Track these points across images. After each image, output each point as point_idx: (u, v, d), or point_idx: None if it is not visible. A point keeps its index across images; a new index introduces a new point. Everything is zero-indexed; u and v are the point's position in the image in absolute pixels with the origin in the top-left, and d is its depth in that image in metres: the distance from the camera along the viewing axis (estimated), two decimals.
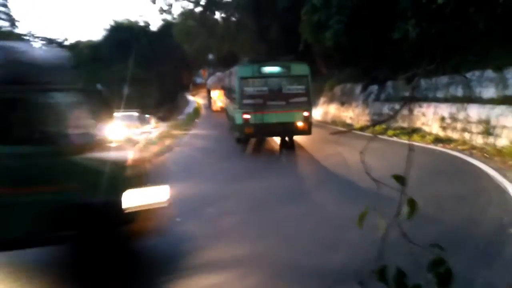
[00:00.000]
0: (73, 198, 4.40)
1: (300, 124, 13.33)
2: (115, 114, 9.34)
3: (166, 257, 5.18)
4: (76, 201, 4.39)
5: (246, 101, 13.13)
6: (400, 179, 1.42)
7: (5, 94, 4.48)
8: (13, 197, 4.29)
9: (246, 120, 13.02)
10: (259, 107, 12.98)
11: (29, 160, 4.41)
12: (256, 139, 15.26)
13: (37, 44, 49.79)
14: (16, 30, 37.99)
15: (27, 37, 40.09)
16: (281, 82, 13.33)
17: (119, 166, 4.83)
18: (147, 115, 23.29)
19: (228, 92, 18.54)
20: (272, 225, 6.48)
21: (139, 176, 4.91)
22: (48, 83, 4.88)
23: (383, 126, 15.74)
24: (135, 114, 20.19)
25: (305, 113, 13.42)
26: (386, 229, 1.38)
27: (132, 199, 4.64)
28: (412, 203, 1.37)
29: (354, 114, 22.43)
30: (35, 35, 42.05)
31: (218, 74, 33.56)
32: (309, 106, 13.60)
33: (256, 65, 13.48)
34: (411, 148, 1.57)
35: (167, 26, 54.15)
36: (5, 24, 36.81)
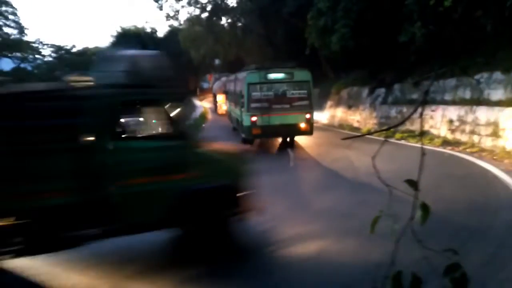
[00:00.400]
0: (201, 183, 5.29)
1: (302, 125, 14.39)
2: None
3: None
4: (205, 186, 5.31)
5: (253, 105, 14.16)
6: (413, 183, 1.43)
7: (148, 96, 5.48)
8: (159, 183, 5.06)
9: (254, 122, 14.07)
10: (265, 110, 14.06)
11: (171, 152, 5.28)
12: (261, 139, 16.25)
13: (45, 51, 50.37)
14: (25, 38, 38.30)
15: (36, 45, 40.48)
16: (285, 87, 14.45)
17: (235, 157, 5.99)
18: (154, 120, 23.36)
19: (233, 96, 19.16)
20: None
21: (245, 166, 5.85)
22: (166, 85, 5.79)
23: (391, 129, 15.67)
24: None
25: (307, 116, 14.47)
26: (399, 234, 1.38)
27: (242, 185, 5.55)
28: (425, 208, 1.37)
29: (361, 118, 22.37)
30: (43, 42, 42.42)
31: (223, 79, 33.91)
32: (310, 109, 14.51)
33: (263, 71, 14.49)
34: (423, 152, 1.57)
35: (173, 32, 54.48)
36: (14, 32, 37.20)
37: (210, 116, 36.36)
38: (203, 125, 29.96)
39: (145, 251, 5.79)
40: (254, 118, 13.99)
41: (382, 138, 1.90)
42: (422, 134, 12.40)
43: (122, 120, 5.47)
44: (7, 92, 5.04)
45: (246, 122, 14.22)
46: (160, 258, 5.59)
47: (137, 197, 4.97)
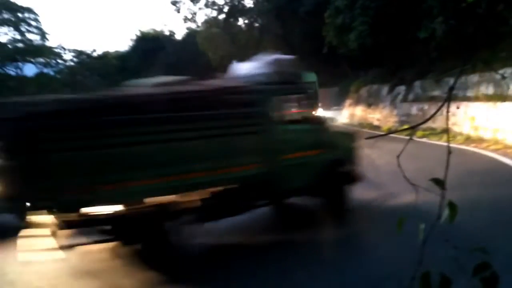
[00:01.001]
0: (332, 157, 6.90)
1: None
2: None
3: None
4: (335, 158, 6.96)
5: None
6: (439, 182, 1.40)
7: (294, 90, 7.29)
8: (309, 157, 6.66)
9: None
10: None
11: (314, 133, 6.91)
12: None
13: (67, 56, 51.42)
14: (47, 43, 39.18)
15: (58, 50, 41.36)
16: None
17: (351, 136, 7.96)
18: None
19: None
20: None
21: (354, 143, 7.60)
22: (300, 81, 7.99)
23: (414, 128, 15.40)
24: None
25: (314, 112, 15.77)
26: (425, 234, 1.36)
27: (353, 158, 7.37)
28: (453, 206, 1.34)
29: (381, 116, 22.13)
30: (65, 48, 43.29)
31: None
32: (316, 105, 16.01)
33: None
34: (449, 150, 1.54)
35: (191, 35, 54.87)
36: (37, 38, 38.09)
37: None
38: None
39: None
40: None
41: (403, 137, 1.87)
42: (447, 132, 12.15)
43: (280, 108, 6.94)
44: (214, 87, 6.29)
45: None
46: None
47: (295, 167, 6.37)
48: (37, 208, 4.75)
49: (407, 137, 1.69)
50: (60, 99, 5.37)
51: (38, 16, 38.39)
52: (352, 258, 5.26)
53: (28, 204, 4.78)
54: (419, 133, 15.05)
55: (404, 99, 19.85)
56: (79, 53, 46.75)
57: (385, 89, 22.46)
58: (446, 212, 1.34)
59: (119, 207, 5.01)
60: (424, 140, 14.35)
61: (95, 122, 4.90)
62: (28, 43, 37.22)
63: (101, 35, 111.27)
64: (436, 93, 16.67)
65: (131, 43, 62.06)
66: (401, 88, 20.44)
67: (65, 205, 4.81)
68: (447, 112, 1.65)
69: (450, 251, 1.42)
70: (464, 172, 8.43)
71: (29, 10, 37.68)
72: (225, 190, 5.68)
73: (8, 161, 4.69)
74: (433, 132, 14.88)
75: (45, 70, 40.11)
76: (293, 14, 30.84)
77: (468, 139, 13.13)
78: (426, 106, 17.40)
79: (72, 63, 46.29)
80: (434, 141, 14.00)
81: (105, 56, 54.72)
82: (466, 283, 1.29)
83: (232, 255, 5.77)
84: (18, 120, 4.57)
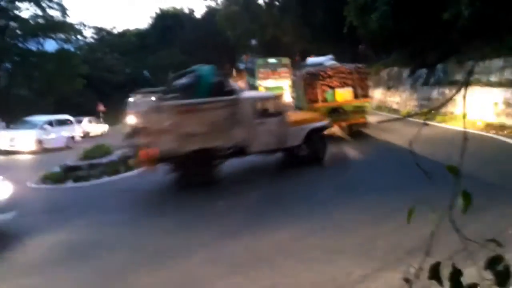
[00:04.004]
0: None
1: None
2: None
3: None
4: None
5: None
6: (454, 170, 1.34)
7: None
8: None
9: None
10: None
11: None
12: None
13: (87, 32, 51.68)
14: (68, 20, 39.32)
15: (78, 26, 41.56)
16: None
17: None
18: None
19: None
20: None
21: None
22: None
23: (431, 112, 15.11)
24: None
25: None
26: (437, 223, 1.31)
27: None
28: (466, 196, 1.28)
29: (401, 99, 21.74)
30: (85, 24, 43.49)
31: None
32: None
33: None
34: (465, 136, 1.47)
35: (211, 13, 54.43)
36: (57, 14, 38.26)
37: None
38: None
39: None
40: None
41: (421, 121, 1.78)
42: (464, 117, 11.85)
43: None
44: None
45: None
46: None
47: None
48: None
49: (426, 122, 1.62)
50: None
51: None
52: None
53: None
54: (438, 117, 14.75)
55: (425, 83, 19.41)
56: (99, 30, 47.04)
57: (406, 72, 21.98)
58: (459, 201, 1.28)
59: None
60: (442, 125, 14.06)
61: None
62: (49, 19, 37.42)
63: (121, 12, 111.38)
64: (459, 77, 16.24)
65: (150, 21, 62.11)
66: (423, 71, 19.97)
67: None
68: (464, 97, 1.59)
69: (464, 242, 1.36)
70: (480, 158, 8.20)
71: None
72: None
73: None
74: (452, 117, 14.56)
75: (66, 46, 40.35)
76: None
77: (489, 126, 12.81)
78: (447, 90, 16.98)
79: (92, 40, 46.55)
80: (452, 126, 13.71)
81: (124, 33, 54.88)
82: (477, 275, 1.25)
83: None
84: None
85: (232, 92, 9.59)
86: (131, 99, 23.43)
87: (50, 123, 20.80)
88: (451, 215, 1.30)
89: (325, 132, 11.03)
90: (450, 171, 1.33)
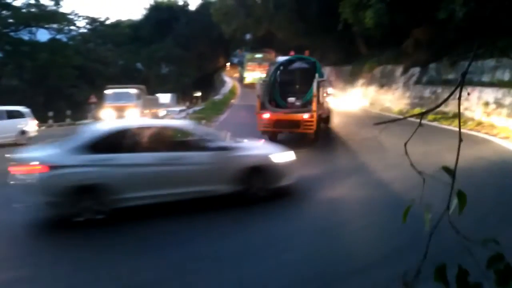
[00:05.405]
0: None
1: None
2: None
3: None
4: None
5: None
6: (450, 171, 1.35)
7: None
8: None
9: None
10: None
11: None
12: None
13: (80, 23, 51.04)
14: (61, 9, 38.83)
15: (71, 16, 41.01)
16: None
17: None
18: None
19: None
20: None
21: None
22: None
23: (423, 110, 15.15)
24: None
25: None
26: (432, 224, 1.31)
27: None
28: (461, 196, 1.29)
29: (393, 97, 21.85)
30: (78, 14, 42.90)
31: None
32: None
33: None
34: (460, 138, 1.48)
35: (205, 6, 54.06)
36: (50, 4, 37.77)
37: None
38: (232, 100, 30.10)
39: None
40: None
41: (414, 120, 1.80)
42: (459, 118, 11.89)
43: None
44: None
45: None
46: None
47: None
48: None
49: (418, 121, 1.62)
50: None
51: None
52: None
53: None
54: (430, 116, 14.84)
55: (418, 81, 19.53)
56: (92, 21, 46.37)
57: (399, 70, 22.10)
58: (454, 202, 1.29)
59: None
60: (435, 124, 14.17)
61: None
62: (42, 8, 36.97)
63: (115, 3, 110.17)
64: (451, 76, 16.37)
65: (144, 12, 61.60)
66: (416, 70, 20.09)
67: None
68: (459, 97, 1.60)
69: (461, 242, 1.37)
70: (471, 158, 8.32)
71: None
72: None
73: None
74: (444, 116, 14.67)
75: (58, 36, 39.90)
76: None
77: (479, 125, 12.94)
78: (439, 89, 17.12)
79: (85, 30, 46.01)
80: (444, 125, 13.83)
81: (118, 24, 54.23)
82: (478, 274, 1.27)
83: None
84: None
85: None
86: (107, 92, 23.32)
87: None
88: (447, 215, 1.30)
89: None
90: (446, 171, 1.33)
